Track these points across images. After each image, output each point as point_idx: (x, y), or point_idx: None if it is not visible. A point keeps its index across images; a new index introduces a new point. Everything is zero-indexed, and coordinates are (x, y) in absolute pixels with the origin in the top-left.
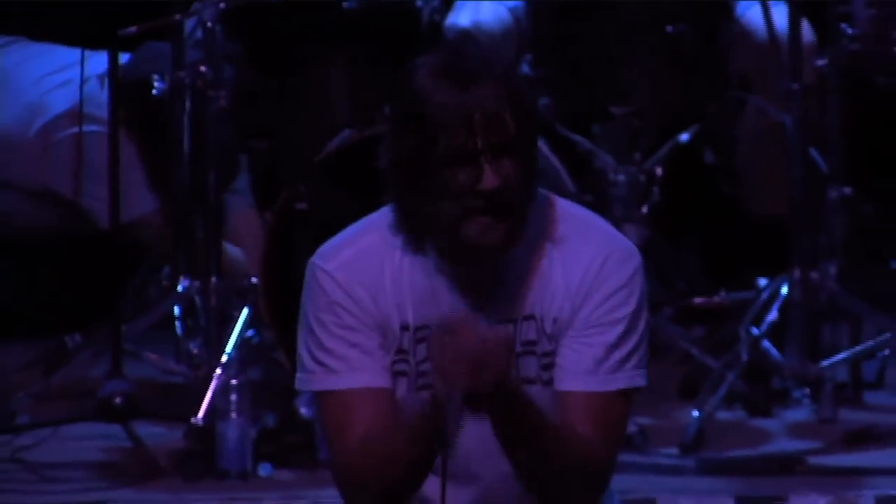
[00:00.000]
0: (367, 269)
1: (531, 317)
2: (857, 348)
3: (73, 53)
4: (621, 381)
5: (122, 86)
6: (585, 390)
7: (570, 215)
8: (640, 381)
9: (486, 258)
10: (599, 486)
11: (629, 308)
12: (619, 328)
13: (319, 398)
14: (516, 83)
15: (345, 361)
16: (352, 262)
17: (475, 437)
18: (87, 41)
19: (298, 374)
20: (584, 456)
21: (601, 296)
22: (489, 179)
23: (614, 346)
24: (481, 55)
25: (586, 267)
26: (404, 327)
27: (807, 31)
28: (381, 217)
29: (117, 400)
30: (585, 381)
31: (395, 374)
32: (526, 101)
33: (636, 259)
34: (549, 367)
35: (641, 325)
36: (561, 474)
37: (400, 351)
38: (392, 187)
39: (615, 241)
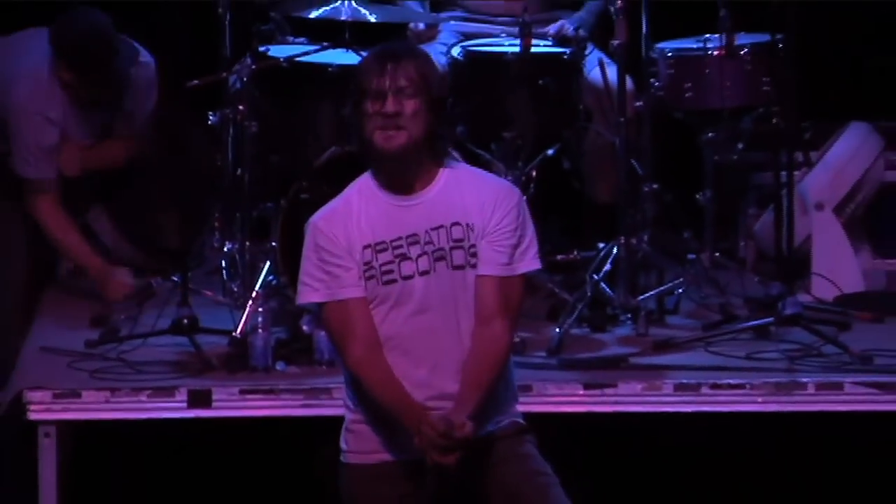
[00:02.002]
0: (340, 216)
1: (457, 223)
2: (662, 287)
3: None
4: (522, 268)
5: None
6: (498, 275)
7: (474, 168)
8: (536, 265)
9: (389, 160)
10: (506, 351)
11: (522, 218)
12: (518, 233)
13: (322, 308)
14: (425, 62)
15: (325, 280)
16: (330, 214)
17: (437, 291)
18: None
19: (298, 293)
20: (501, 345)
21: (503, 211)
22: (388, 105)
23: (516, 245)
24: (405, 46)
25: (490, 191)
26: (366, 246)
27: (629, 83)
28: (358, 181)
29: (185, 321)
30: (498, 269)
31: (367, 279)
32: (433, 78)
33: (518, 190)
34: (474, 255)
35: (531, 229)
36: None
37: (366, 263)
38: (351, 125)
39: (504, 181)
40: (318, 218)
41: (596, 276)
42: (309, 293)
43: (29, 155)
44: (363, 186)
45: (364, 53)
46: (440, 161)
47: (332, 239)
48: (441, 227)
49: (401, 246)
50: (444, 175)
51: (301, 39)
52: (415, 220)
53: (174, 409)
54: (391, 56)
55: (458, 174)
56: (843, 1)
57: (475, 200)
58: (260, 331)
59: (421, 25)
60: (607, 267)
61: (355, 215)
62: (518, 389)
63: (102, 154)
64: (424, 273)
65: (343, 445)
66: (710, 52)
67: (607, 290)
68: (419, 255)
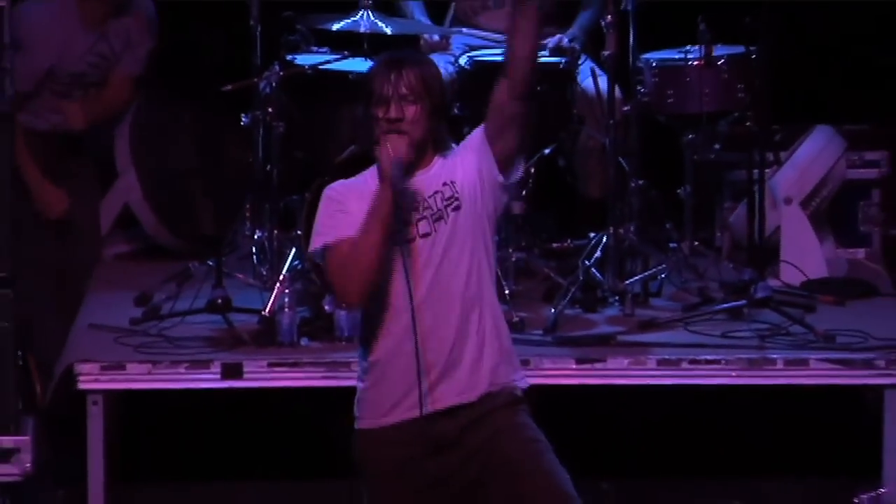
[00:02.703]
0: (356, 187)
1: (446, 184)
2: (646, 273)
3: None
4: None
5: None
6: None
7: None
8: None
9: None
10: None
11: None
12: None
13: (324, 249)
14: (427, 70)
15: (335, 227)
16: (345, 184)
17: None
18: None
19: (312, 243)
20: None
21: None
22: (392, 111)
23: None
24: (409, 54)
25: (462, 146)
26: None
27: (617, 90)
28: (373, 167)
29: (219, 300)
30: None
31: None
32: (433, 84)
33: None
34: (457, 204)
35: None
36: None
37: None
38: (365, 124)
39: None
40: (334, 187)
41: (587, 263)
42: (317, 240)
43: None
44: (374, 177)
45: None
46: (439, 152)
47: (341, 199)
48: (436, 192)
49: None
50: (438, 159)
51: (324, 49)
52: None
53: (209, 380)
54: (395, 64)
55: (454, 149)
56: (810, 13)
57: (455, 156)
58: (286, 310)
59: (435, 37)
60: (598, 254)
61: (369, 190)
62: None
63: (104, 101)
64: (426, 235)
65: (356, 413)
66: (690, 63)
67: (597, 274)
68: (420, 220)
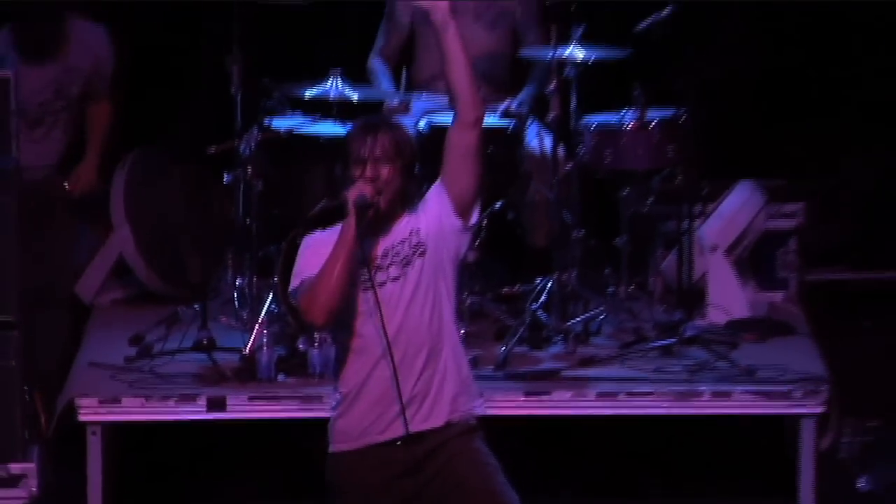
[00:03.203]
0: (328, 236)
1: (411, 232)
2: (587, 314)
3: None
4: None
5: None
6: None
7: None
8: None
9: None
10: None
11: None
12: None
13: (300, 286)
14: (399, 134)
15: (311, 267)
16: (321, 234)
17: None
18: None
19: (291, 285)
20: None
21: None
22: (368, 171)
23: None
24: (383, 119)
25: (424, 201)
26: None
27: (561, 150)
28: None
29: (205, 341)
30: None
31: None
32: (405, 147)
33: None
34: (423, 250)
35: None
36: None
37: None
38: (343, 182)
39: None
40: (312, 235)
41: (534, 306)
42: (295, 280)
43: None
44: None
45: (349, 125)
46: (408, 207)
47: (318, 246)
48: (403, 240)
49: (378, 259)
50: (406, 213)
51: (297, 112)
52: (384, 245)
53: (196, 412)
54: (371, 129)
55: (419, 205)
56: (735, 78)
57: (419, 210)
58: (265, 349)
59: (394, 102)
60: (543, 298)
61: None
62: None
63: (95, 132)
64: (395, 279)
65: (329, 438)
66: (625, 125)
67: (543, 316)
68: (390, 266)
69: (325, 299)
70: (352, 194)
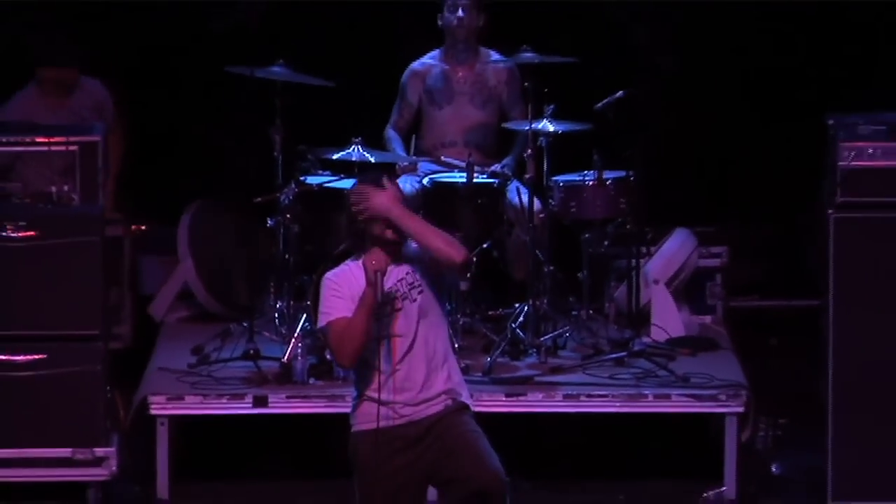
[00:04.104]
0: (344, 275)
1: (407, 272)
2: (555, 332)
3: None
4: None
5: None
6: None
7: None
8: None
9: (391, 245)
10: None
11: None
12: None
13: (328, 326)
14: (392, 186)
15: (335, 308)
16: (338, 273)
17: (405, 319)
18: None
19: (319, 321)
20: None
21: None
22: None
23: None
24: (378, 176)
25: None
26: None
27: (536, 202)
28: (350, 263)
29: (251, 351)
30: None
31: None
32: (406, 202)
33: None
34: (420, 282)
35: None
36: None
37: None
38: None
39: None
40: (332, 274)
41: (514, 325)
42: (322, 319)
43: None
44: (360, 267)
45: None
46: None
47: (338, 286)
48: (402, 279)
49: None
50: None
51: (326, 172)
52: (389, 280)
53: (243, 408)
54: (370, 183)
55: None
56: (677, 144)
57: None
58: (299, 358)
59: (404, 163)
60: (521, 319)
61: (353, 275)
62: None
63: (115, 158)
64: (399, 310)
65: (351, 421)
66: (586, 183)
67: (521, 333)
68: (394, 300)
69: (352, 349)
70: (369, 266)
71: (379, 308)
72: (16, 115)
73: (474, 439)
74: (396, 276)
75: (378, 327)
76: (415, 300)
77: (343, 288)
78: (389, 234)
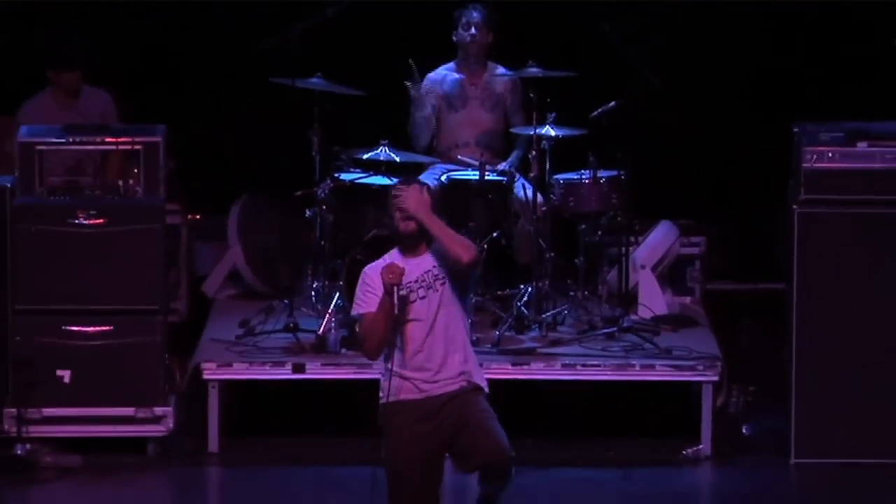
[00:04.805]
0: (377, 268)
1: (433, 266)
2: (555, 310)
3: None
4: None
5: None
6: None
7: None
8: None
9: (407, 239)
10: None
11: None
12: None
13: (359, 316)
14: (427, 190)
15: (366, 302)
16: (374, 267)
17: (425, 309)
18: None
19: (352, 309)
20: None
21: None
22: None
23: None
24: (425, 184)
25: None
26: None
27: (540, 197)
28: (393, 251)
29: (291, 324)
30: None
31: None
32: (433, 199)
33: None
34: (444, 277)
35: None
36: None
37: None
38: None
39: None
40: (369, 268)
41: (519, 304)
42: (356, 308)
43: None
44: (395, 253)
45: (395, 179)
46: (430, 243)
47: (372, 281)
48: (427, 271)
49: (410, 286)
50: (428, 249)
51: (357, 169)
52: (415, 272)
53: (284, 374)
54: (411, 184)
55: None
56: (658, 150)
57: (435, 254)
58: (333, 331)
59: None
60: (525, 298)
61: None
62: None
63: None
64: (423, 298)
65: (381, 392)
66: (583, 181)
67: (525, 311)
68: (419, 289)
69: (376, 344)
70: (385, 280)
71: (399, 310)
72: (33, 118)
73: (486, 418)
74: (423, 267)
75: (400, 319)
76: (438, 290)
77: (376, 283)
78: (408, 227)
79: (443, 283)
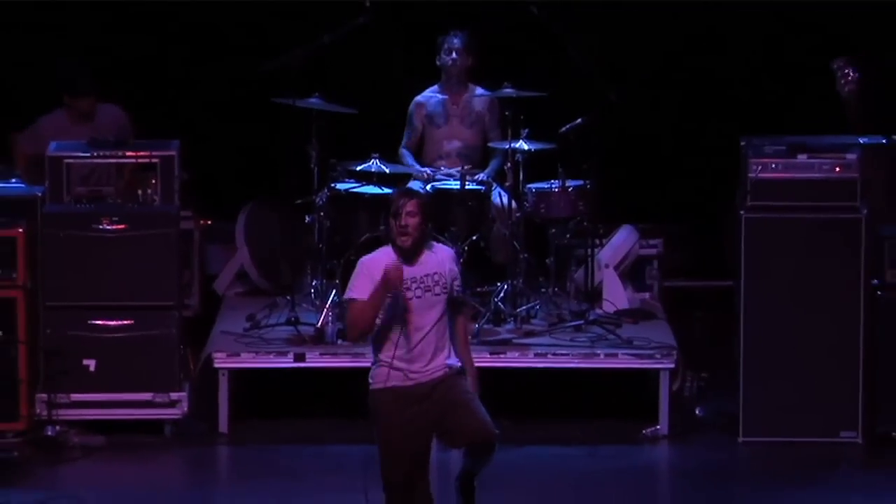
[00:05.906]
0: (378, 259)
1: (435, 273)
2: (529, 305)
3: None
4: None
5: None
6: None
7: (438, 244)
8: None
9: (405, 249)
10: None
11: (458, 266)
12: (459, 277)
13: (350, 300)
14: (424, 199)
15: (358, 289)
16: (372, 258)
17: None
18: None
19: (345, 294)
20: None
21: (452, 264)
22: (401, 221)
23: (459, 281)
24: (414, 190)
25: (447, 255)
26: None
27: (514, 204)
28: (387, 247)
29: (293, 318)
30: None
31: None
32: (424, 204)
33: (455, 253)
34: (445, 288)
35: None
36: None
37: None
38: (387, 228)
39: (450, 249)
40: (366, 258)
41: (496, 299)
42: (348, 293)
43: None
44: (389, 250)
45: (385, 188)
46: (427, 245)
47: (368, 270)
48: (427, 275)
49: (406, 283)
50: (426, 251)
51: (351, 180)
52: (414, 272)
53: (287, 362)
54: (404, 195)
55: (433, 248)
56: (623, 162)
57: (442, 259)
58: (330, 324)
59: (420, 173)
60: (501, 294)
61: (384, 263)
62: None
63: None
64: (418, 297)
65: (370, 379)
66: (553, 189)
67: (501, 305)
68: (416, 288)
69: (360, 331)
70: (385, 281)
71: (398, 307)
72: (48, 135)
73: (470, 399)
74: (430, 268)
75: (394, 316)
76: (438, 295)
77: (374, 271)
78: (405, 243)
79: (444, 290)
